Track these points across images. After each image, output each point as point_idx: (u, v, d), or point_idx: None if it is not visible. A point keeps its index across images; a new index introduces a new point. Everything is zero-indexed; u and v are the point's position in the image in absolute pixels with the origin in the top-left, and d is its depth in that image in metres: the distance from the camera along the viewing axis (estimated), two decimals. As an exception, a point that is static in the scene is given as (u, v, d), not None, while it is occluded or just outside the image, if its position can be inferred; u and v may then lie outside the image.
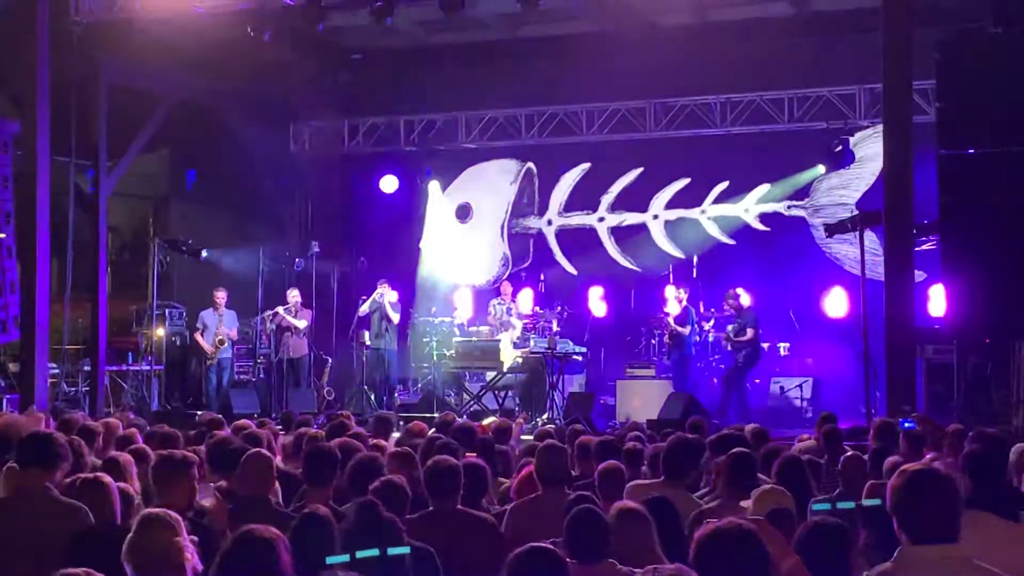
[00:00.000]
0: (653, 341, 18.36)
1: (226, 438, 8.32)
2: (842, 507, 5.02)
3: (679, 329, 17.05)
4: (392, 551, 4.35)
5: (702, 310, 17.88)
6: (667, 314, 17.49)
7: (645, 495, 6.36)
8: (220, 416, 11.55)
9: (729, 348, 16.86)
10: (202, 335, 17.95)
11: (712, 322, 17.55)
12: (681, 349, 17.14)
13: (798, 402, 17.31)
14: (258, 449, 7.09)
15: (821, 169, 18.50)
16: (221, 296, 17.94)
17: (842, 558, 4.69)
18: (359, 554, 4.24)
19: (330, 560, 4.25)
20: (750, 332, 16.58)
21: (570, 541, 5.06)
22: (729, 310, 17.05)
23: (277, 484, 7.07)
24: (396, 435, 10.50)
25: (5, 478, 6.28)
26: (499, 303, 18.17)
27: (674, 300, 17.40)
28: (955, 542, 4.07)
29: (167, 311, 18.90)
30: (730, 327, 16.96)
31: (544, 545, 4.17)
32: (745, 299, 17.13)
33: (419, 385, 19.28)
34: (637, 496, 6.39)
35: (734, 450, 6.97)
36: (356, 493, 6.17)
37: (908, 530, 4.10)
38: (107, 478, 6.00)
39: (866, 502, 5.35)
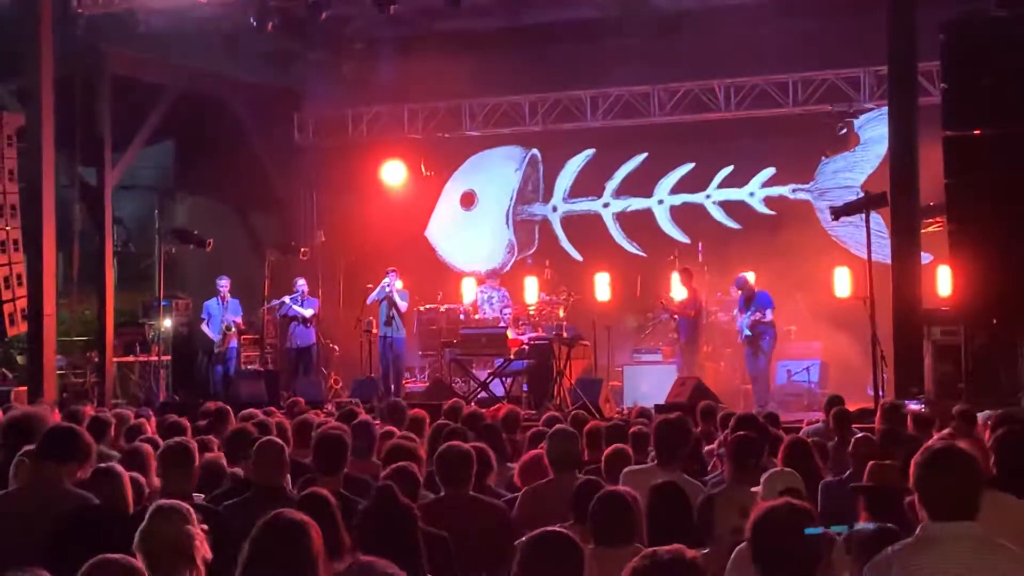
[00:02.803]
0: (671, 325, 18.33)
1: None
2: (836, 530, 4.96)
3: (686, 313, 17.06)
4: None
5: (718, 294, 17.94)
6: (671, 299, 17.54)
7: (641, 480, 6.38)
8: (227, 406, 11.53)
9: (749, 333, 16.70)
10: (207, 325, 17.95)
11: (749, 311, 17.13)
12: (689, 333, 17.15)
13: (805, 385, 17.29)
14: (270, 437, 7.11)
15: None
16: (224, 285, 17.93)
17: None
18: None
19: None
20: (769, 313, 16.51)
21: (596, 525, 5.07)
22: (740, 294, 16.99)
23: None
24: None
25: (19, 469, 6.29)
26: (482, 292, 18.24)
27: (679, 285, 17.40)
28: (974, 520, 4.10)
29: (173, 302, 18.90)
30: (740, 313, 16.87)
31: (556, 529, 4.18)
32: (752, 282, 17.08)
33: (426, 373, 19.32)
34: (633, 482, 6.40)
35: (737, 434, 6.98)
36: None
37: (928, 507, 4.13)
38: (119, 467, 6.02)
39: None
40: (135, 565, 3.94)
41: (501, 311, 17.93)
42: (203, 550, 4.56)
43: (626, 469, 7.09)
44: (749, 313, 16.52)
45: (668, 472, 6.85)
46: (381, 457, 7.40)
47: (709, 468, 8.38)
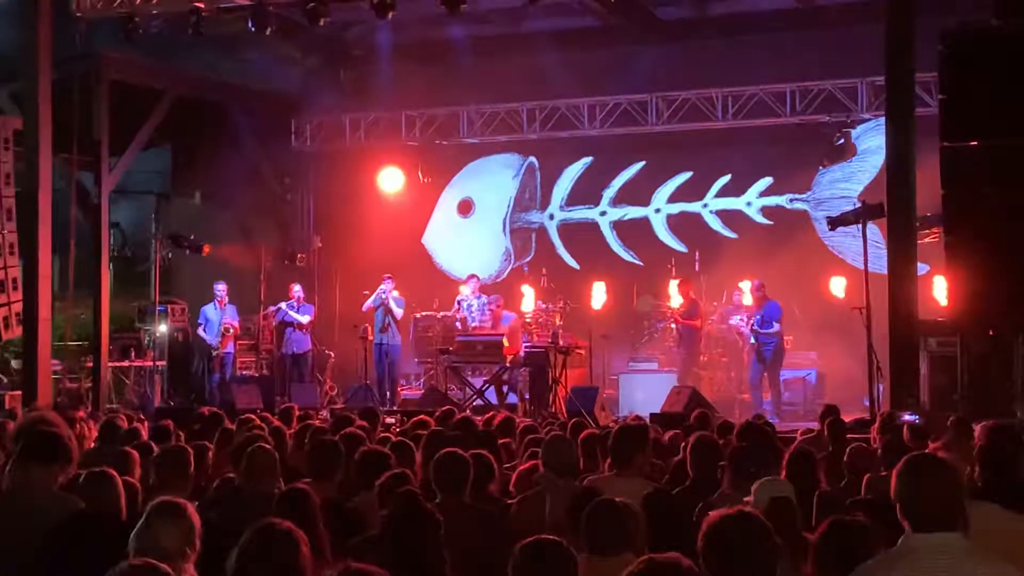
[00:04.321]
0: (656, 335, 18.42)
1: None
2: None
3: (688, 323, 17.08)
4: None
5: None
6: (672, 309, 17.54)
7: (603, 487, 6.37)
8: (220, 411, 11.50)
9: (752, 340, 16.76)
10: (203, 330, 17.94)
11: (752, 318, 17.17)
12: (689, 343, 17.16)
13: (801, 395, 17.28)
14: (260, 444, 7.08)
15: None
16: (222, 289, 17.91)
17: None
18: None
19: None
20: (776, 325, 16.53)
21: (588, 534, 5.05)
22: (752, 302, 16.97)
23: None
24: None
25: (9, 471, 6.27)
26: (463, 300, 18.08)
27: (679, 294, 17.40)
28: (957, 531, 4.04)
29: (169, 307, 18.88)
30: (744, 318, 16.87)
31: (551, 537, 4.16)
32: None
33: (422, 380, 19.30)
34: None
35: (738, 444, 6.96)
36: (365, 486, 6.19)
37: (910, 517, 4.08)
38: (112, 472, 6.00)
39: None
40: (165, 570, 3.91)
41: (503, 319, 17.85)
42: (196, 549, 4.54)
43: (586, 479, 7.05)
44: (755, 321, 16.55)
45: (625, 478, 6.81)
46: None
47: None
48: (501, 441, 9.15)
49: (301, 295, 18.38)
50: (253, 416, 10.29)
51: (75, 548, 5.03)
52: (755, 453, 6.84)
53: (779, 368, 16.78)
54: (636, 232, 20.24)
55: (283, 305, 18.26)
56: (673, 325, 17.74)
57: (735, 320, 17.54)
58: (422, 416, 10.70)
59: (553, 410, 15.51)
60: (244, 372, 18.74)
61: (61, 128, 16.46)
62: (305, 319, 18.23)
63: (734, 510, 3.96)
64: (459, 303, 18.16)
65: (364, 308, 18.03)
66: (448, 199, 21.46)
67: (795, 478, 6.34)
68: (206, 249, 18.60)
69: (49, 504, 5.69)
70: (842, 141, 17.67)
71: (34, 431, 6.23)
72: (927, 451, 6.75)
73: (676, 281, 17.73)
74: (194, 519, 4.56)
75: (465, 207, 21.46)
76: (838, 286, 17.77)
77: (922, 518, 4.05)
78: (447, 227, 21.49)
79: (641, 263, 20.01)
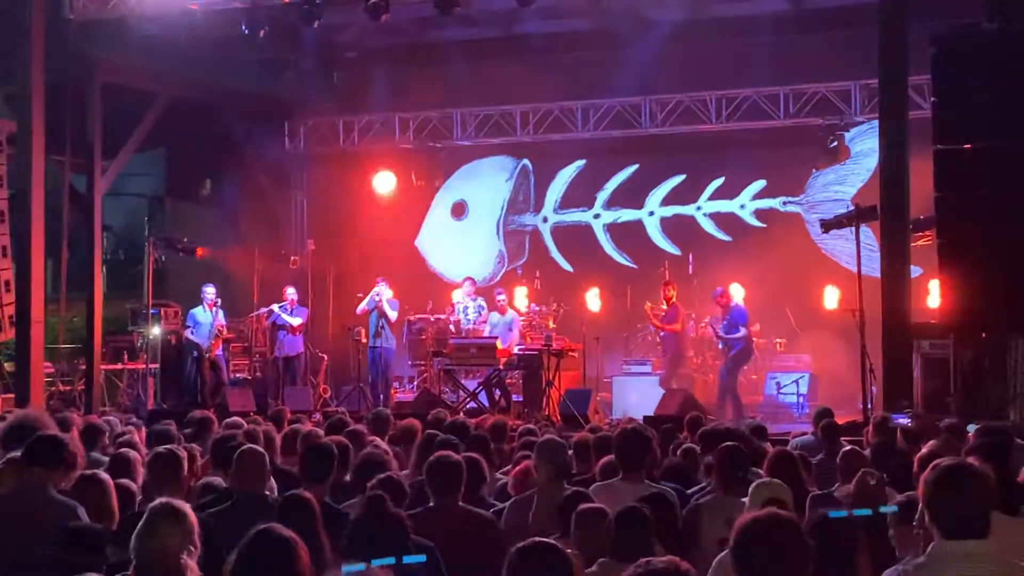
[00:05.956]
0: (649, 338, 18.41)
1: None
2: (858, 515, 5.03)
3: (669, 327, 17.05)
4: (408, 559, 4.34)
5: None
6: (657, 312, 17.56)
7: (608, 493, 6.37)
8: (211, 415, 11.46)
9: (721, 346, 16.81)
10: (192, 333, 17.79)
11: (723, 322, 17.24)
12: (672, 347, 17.14)
13: (794, 398, 17.28)
14: (251, 445, 7.07)
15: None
16: (211, 292, 17.81)
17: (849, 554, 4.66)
18: (375, 562, 4.21)
19: (346, 569, 4.19)
20: (742, 329, 16.53)
21: (617, 540, 5.09)
22: (717, 308, 16.99)
23: (273, 480, 7.10)
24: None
25: (4, 474, 6.25)
26: (459, 302, 18.00)
27: (664, 299, 17.41)
28: (986, 538, 4.06)
29: (162, 310, 18.84)
30: (718, 325, 16.92)
31: (546, 540, 4.16)
32: (735, 296, 17.05)
33: (415, 382, 19.28)
34: (602, 495, 6.39)
35: (724, 445, 6.95)
36: (360, 489, 6.19)
37: (941, 525, 4.08)
38: (105, 475, 5.99)
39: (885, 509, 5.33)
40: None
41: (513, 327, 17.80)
42: (196, 553, 4.53)
43: (594, 485, 7.05)
44: (722, 327, 16.57)
45: (633, 483, 6.81)
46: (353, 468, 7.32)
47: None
48: (509, 446, 9.18)
49: (295, 298, 18.34)
50: (240, 420, 10.26)
51: (69, 554, 5.02)
52: (744, 456, 6.84)
53: (738, 371, 16.67)
54: (629, 235, 20.25)
55: (275, 307, 18.21)
56: (652, 328, 17.75)
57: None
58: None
59: (546, 413, 15.50)
60: (237, 375, 18.70)
61: (54, 131, 16.44)
62: (297, 322, 18.18)
63: (767, 511, 3.95)
64: (454, 306, 18.15)
65: (358, 311, 17.97)
66: (442, 202, 21.45)
67: (778, 479, 6.34)
68: (199, 252, 18.55)
69: (47, 508, 5.69)
70: (835, 144, 17.70)
71: (38, 437, 6.21)
72: (958, 458, 6.75)
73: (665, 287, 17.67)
74: (193, 520, 4.55)
75: (459, 210, 21.46)
76: (831, 289, 17.77)
77: (953, 525, 4.06)
78: (441, 230, 21.49)
79: (635, 266, 20.02)
